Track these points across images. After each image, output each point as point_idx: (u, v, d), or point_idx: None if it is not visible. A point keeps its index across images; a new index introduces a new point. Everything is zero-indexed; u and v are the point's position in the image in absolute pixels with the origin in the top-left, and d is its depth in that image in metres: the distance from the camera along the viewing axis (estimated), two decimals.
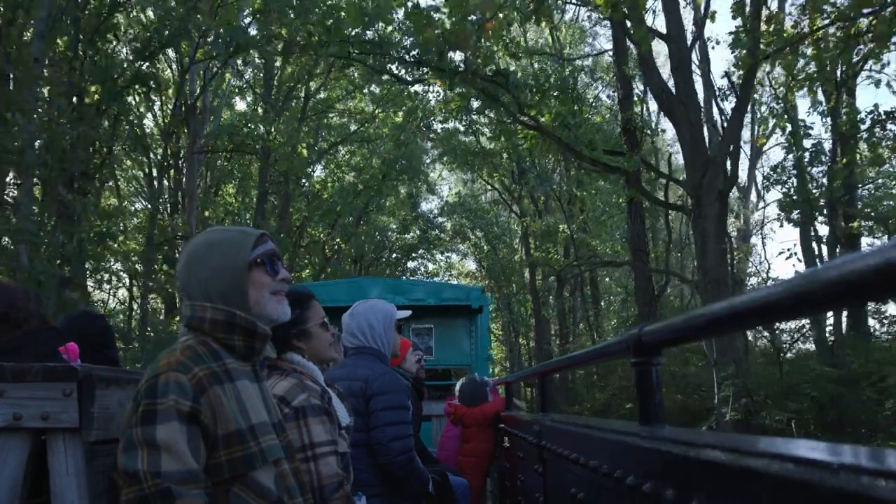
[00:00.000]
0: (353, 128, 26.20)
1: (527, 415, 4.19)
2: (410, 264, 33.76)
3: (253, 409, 1.70)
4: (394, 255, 32.94)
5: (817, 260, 16.99)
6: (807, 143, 16.37)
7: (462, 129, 25.48)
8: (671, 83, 13.62)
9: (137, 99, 18.82)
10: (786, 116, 16.50)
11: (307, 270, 25.01)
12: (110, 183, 19.91)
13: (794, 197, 15.86)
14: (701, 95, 15.55)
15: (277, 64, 22.83)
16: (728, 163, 13.24)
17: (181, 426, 1.54)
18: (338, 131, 26.59)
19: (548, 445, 2.42)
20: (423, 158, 29.38)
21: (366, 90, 25.69)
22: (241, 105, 25.85)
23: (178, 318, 20.40)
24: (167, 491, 1.48)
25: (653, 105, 20.76)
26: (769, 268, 16.93)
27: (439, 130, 26.41)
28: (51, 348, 2.42)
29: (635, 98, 17.56)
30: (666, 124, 20.09)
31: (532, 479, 2.91)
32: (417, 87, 23.68)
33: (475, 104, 17.49)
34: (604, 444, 1.60)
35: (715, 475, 0.99)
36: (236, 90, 24.66)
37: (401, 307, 3.64)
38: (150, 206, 19.12)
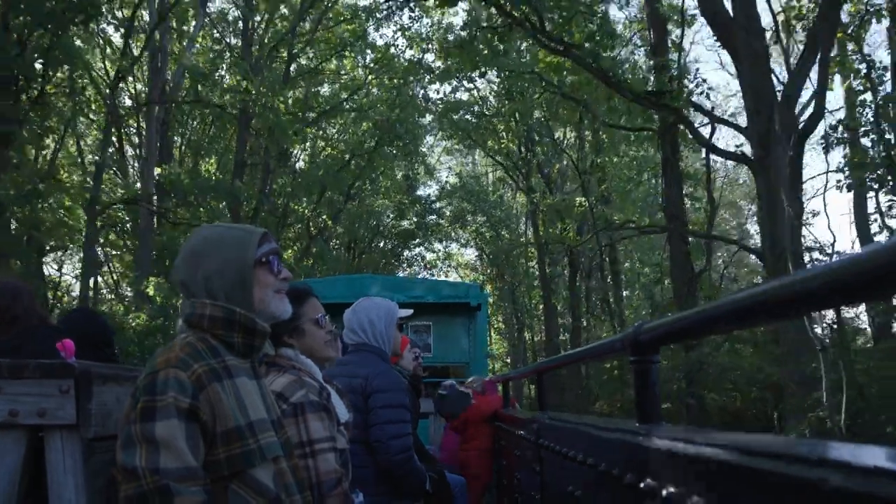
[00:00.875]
0: (343, 96, 23.37)
1: (524, 413, 4.19)
2: (407, 254, 32.19)
3: (252, 406, 1.70)
4: (389, 244, 31.14)
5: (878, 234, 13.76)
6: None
7: (463, 88, 23.32)
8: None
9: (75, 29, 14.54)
10: (859, 57, 12.94)
11: (289, 251, 22.59)
12: (49, 139, 16.99)
13: (872, 153, 11.85)
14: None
15: (258, 19, 20.74)
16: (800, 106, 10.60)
17: (180, 423, 1.54)
18: (327, 101, 23.72)
19: (545, 443, 2.42)
20: (421, 141, 26.98)
21: (358, 57, 23.48)
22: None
23: (126, 301, 19.21)
24: (166, 487, 1.48)
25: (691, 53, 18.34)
26: (834, 241, 14.21)
27: (438, 96, 24.36)
28: (49, 346, 2.42)
29: (670, 44, 15.20)
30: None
31: (529, 477, 2.91)
32: (411, 53, 22.29)
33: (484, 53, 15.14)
34: (602, 442, 1.60)
35: (714, 473, 0.98)
36: (211, 51, 22.02)
37: (401, 305, 3.64)
38: (97, 162, 16.55)
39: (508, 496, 4.05)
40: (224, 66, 21.07)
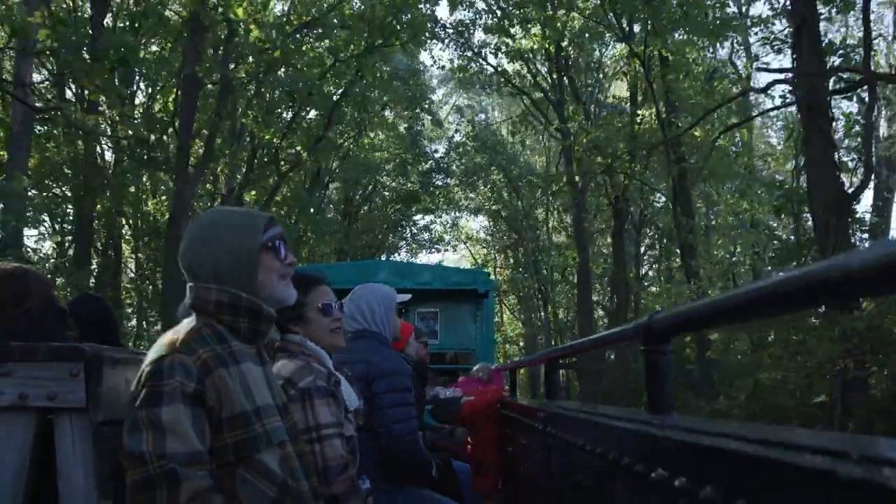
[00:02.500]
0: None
1: (531, 401, 4.18)
2: (410, 228, 28.58)
3: (257, 392, 1.70)
4: (390, 208, 26.76)
5: None
6: None
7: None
8: None
9: None
10: None
11: (252, 193, 17.94)
12: None
13: None
14: None
15: None
16: None
17: (186, 408, 1.54)
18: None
19: (553, 432, 2.42)
20: (427, 87, 23.24)
21: None
22: None
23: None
24: (172, 472, 1.48)
25: None
26: None
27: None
28: (59, 330, 2.42)
29: None
30: None
31: (536, 465, 2.91)
32: None
33: None
34: (612, 431, 1.60)
35: (726, 464, 0.98)
36: None
37: (406, 290, 3.63)
38: None
39: (515, 484, 4.06)
40: None
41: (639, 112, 16.81)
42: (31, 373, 1.81)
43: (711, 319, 1.24)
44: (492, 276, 13.68)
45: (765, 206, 17.81)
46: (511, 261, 29.53)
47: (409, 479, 3.14)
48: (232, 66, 15.29)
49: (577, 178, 17.89)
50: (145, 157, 16.29)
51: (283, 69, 15.95)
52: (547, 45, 18.86)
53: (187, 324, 1.71)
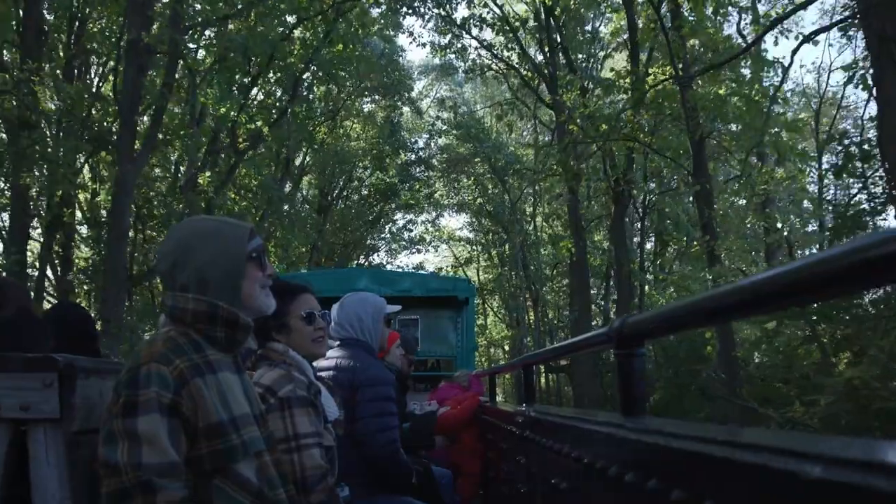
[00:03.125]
0: None
1: (509, 406, 4.19)
2: (388, 228, 27.49)
3: (234, 401, 1.70)
4: (367, 203, 25.34)
5: None
6: None
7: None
8: None
9: None
10: None
11: (207, 174, 15.74)
12: None
13: None
14: None
15: None
16: None
17: (162, 418, 1.53)
18: None
19: (531, 436, 2.43)
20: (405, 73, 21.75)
21: None
22: None
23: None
24: (147, 483, 1.47)
25: None
26: None
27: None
28: (38, 343, 2.39)
29: None
30: None
31: (515, 469, 2.92)
32: None
33: None
34: (587, 434, 1.61)
35: (698, 466, 0.99)
36: None
37: (388, 299, 3.65)
38: None
39: (494, 488, 4.07)
40: None
41: (649, 72, 14.18)
42: (4, 383, 1.79)
43: (685, 321, 1.25)
44: (473, 280, 13.58)
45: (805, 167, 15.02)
46: (496, 259, 28.29)
47: (389, 487, 3.15)
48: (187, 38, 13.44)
49: (571, 161, 15.02)
50: (84, 137, 14.25)
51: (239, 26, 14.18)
52: (537, 6, 17.25)
53: (164, 333, 1.71)
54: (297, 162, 22.18)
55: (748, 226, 17.49)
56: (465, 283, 8.32)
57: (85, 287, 17.52)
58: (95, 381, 1.95)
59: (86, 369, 1.90)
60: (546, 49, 18.21)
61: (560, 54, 17.77)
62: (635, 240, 22.56)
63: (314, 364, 2.60)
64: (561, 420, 1.97)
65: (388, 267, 26.00)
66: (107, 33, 15.41)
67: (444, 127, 25.03)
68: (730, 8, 14.10)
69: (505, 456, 3.37)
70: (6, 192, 14.26)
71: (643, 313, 1.43)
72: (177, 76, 13.93)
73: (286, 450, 2.15)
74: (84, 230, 18.20)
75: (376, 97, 22.62)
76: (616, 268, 17.80)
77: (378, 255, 28.60)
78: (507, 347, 29.91)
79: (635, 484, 1.20)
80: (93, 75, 17.26)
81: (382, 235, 28.44)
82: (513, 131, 24.17)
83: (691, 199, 13.76)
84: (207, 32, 14.61)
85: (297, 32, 15.45)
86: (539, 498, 2.35)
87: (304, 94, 18.00)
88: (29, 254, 14.44)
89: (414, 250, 29.30)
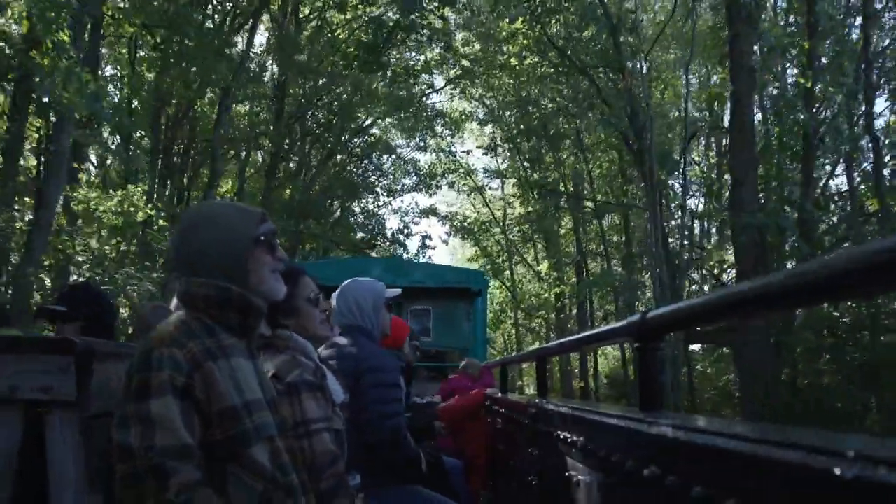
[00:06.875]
0: None
1: (521, 397, 4.18)
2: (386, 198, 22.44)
3: (247, 386, 1.69)
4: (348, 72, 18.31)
5: None
6: None
7: None
8: None
9: None
10: None
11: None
12: None
13: None
14: None
15: None
16: None
17: (175, 400, 1.53)
18: None
19: (543, 428, 2.42)
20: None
21: None
22: None
23: None
24: (161, 466, 1.47)
25: None
26: None
27: None
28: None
29: None
30: None
31: (525, 461, 2.91)
32: None
33: None
34: (603, 428, 1.60)
35: (716, 462, 0.98)
36: None
37: (403, 290, 3.63)
38: None
39: (503, 479, 4.07)
40: None
41: None
42: (22, 366, 1.80)
43: (708, 316, 1.23)
44: (486, 274, 13.43)
45: None
46: (542, 174, 21.31)
47: (395, 475, 3.14)
48: None
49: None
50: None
51: None
52: None
53: (177, 317, 1.71)
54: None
55: None
56: (478, 275, 8.33)
57: None
58: (112, 365, 1.96)
59: (102, 353, 1.91)
60: None
61: None
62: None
63: (319, 351, 2.60)
64: (576, 412, 1.96)
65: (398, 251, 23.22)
66: None
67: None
68: None
69: (517, 448, 3.36)
70: None
71: (663, 308, 1.42)
72: None
73: (295, 435, 2.15)
74: None
75: None
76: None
77: (376, 197, 22.71)
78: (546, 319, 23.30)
79: (653, 479, 1.18)
80: None
81: (381, 168, 22.72)
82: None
83: None
84: None
85: None
86: (551, 491, 2.34)
87: None
88: None
89: (426, 191, 23.39)
